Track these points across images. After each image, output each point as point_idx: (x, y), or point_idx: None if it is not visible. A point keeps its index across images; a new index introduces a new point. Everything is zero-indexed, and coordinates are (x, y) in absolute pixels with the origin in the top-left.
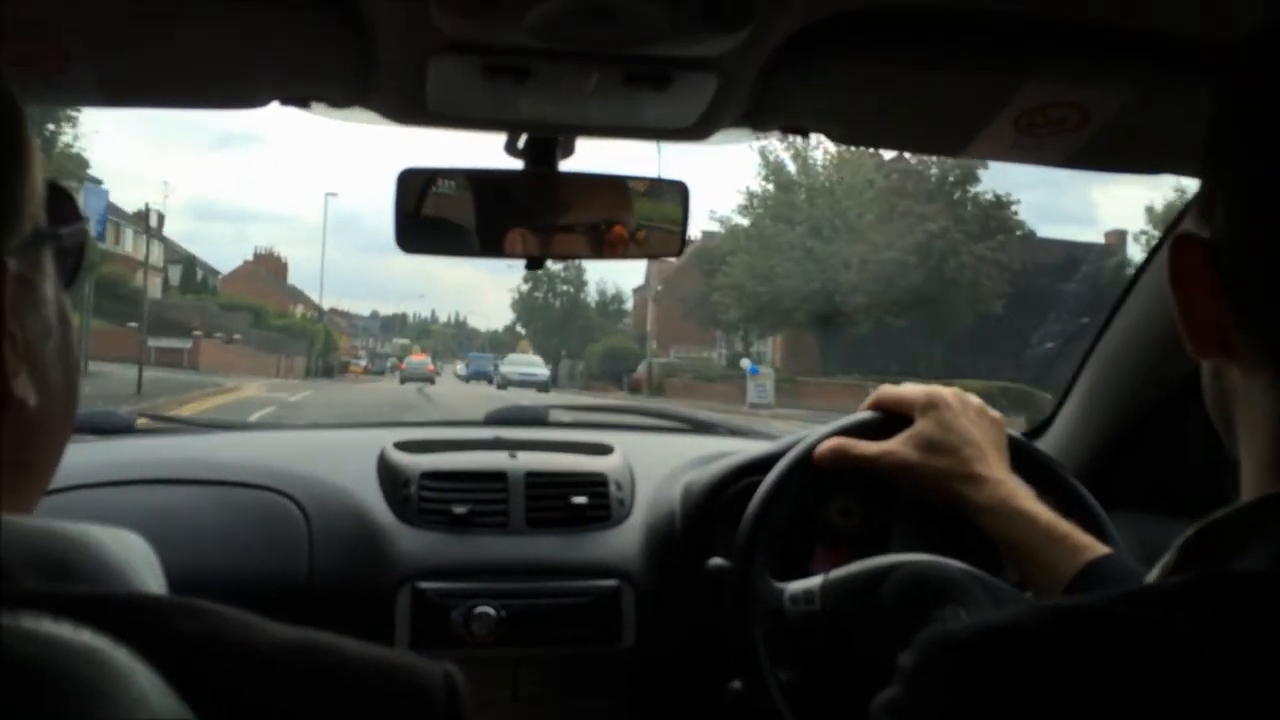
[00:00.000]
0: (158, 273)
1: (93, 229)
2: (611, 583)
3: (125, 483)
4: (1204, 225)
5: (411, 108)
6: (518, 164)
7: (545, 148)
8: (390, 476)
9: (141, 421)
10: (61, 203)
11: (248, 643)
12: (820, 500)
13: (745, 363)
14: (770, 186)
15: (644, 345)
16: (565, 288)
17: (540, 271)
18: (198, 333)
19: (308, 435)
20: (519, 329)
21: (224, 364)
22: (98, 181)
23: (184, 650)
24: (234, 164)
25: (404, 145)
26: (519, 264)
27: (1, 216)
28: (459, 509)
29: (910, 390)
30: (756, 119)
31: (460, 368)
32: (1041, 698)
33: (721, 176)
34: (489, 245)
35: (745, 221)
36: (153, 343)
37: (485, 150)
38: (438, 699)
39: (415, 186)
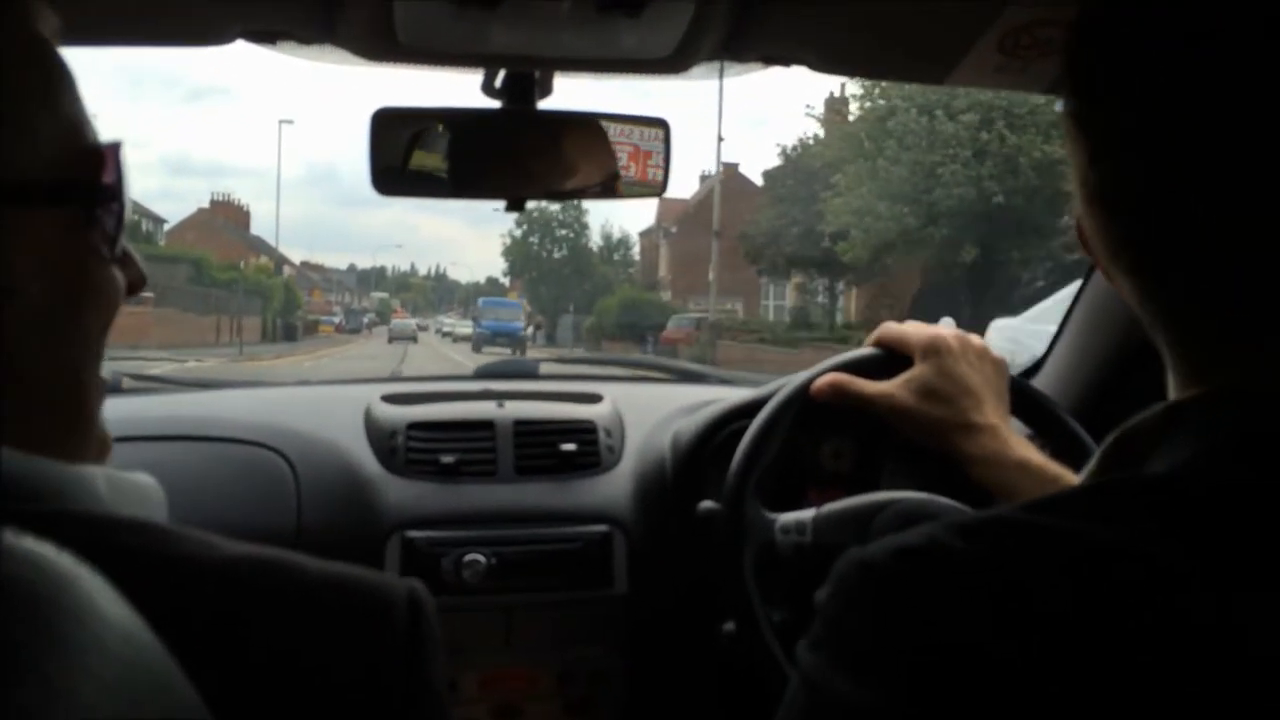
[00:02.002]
0: None
1: None
2: (602, 528)
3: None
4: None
5: (381, 43)
6: (495, 104)
7: (523, 85)
8: (377, 428)
9: (126, 381)
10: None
11: (200, 557)
12: (813, 442)
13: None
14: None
15: (657, 294)
16: (564, 232)
17: (535, 214)
18: None
19: (294, 391)
20: (502, 279)
21: (121, 333)
22: None
23: (133, 563)
24: (207, 117)
25: (383, 94)
26: (502, 215)
27: None
28: (447, 458)
29: (914, 330)
30: (734, 49)
31: (453, 324)
32: (959, 613)
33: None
34: (466, 186)
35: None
36: None
37: (462, 92)
38: (399, 616)
39: (390, 128)
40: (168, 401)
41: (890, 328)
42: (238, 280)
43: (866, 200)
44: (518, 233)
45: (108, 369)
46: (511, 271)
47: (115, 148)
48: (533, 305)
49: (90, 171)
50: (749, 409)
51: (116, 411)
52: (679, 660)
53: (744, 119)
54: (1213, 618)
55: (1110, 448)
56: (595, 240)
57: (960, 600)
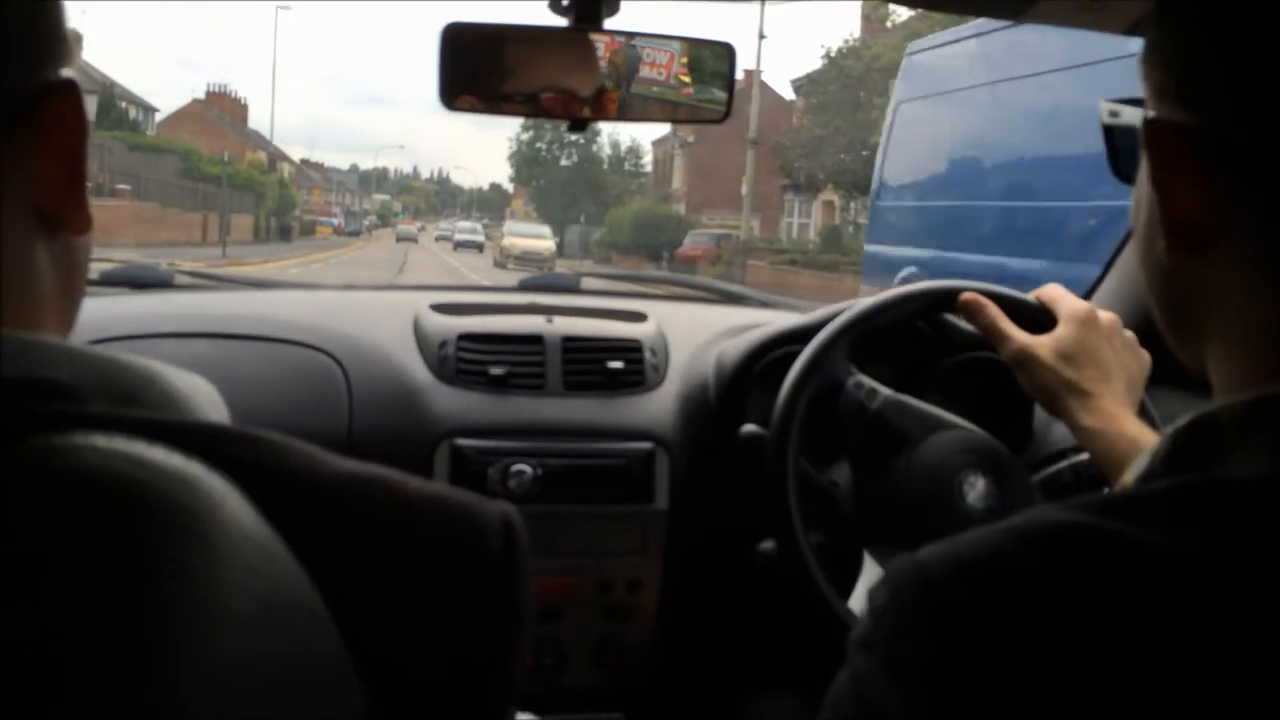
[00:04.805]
0: None
1: None
2: (646, 445)
3: (166, 336)
4: (1181, 107)
5: None
6: (563, 21)
7: (591, 3)
8: (428, 337)
9: (180, 278)
10: None
11: (311, 472)
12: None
13: None
14: None
15: (670, 207)
16: (574, 137)
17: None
18: None
19: (344, 295)
20: (507, 185)
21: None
22: None
23: (254, 476)
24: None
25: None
26: (508, 119)
27: (59, 45)
28: (496, 370)
29: (1072, 299)
30: None
31: (471, 231)
32: (1018, 638)
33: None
34: (533, 104)
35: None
36: None
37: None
38: (494, 540)
39: (459, 42)
40: (220, 299)
41: (1052, 288)
42: (238, 175)
43: None
44: (525, 136)
45: (161, 265)
46: (517, 178)
47: None
48: (541, 216)
49: None
50: (794, 335)
51: (169, 307)
52: (715, 574)
53: (755, 29)
54: None
55: (1185, 433)
56: (606, 149)
57: (1019, 624)
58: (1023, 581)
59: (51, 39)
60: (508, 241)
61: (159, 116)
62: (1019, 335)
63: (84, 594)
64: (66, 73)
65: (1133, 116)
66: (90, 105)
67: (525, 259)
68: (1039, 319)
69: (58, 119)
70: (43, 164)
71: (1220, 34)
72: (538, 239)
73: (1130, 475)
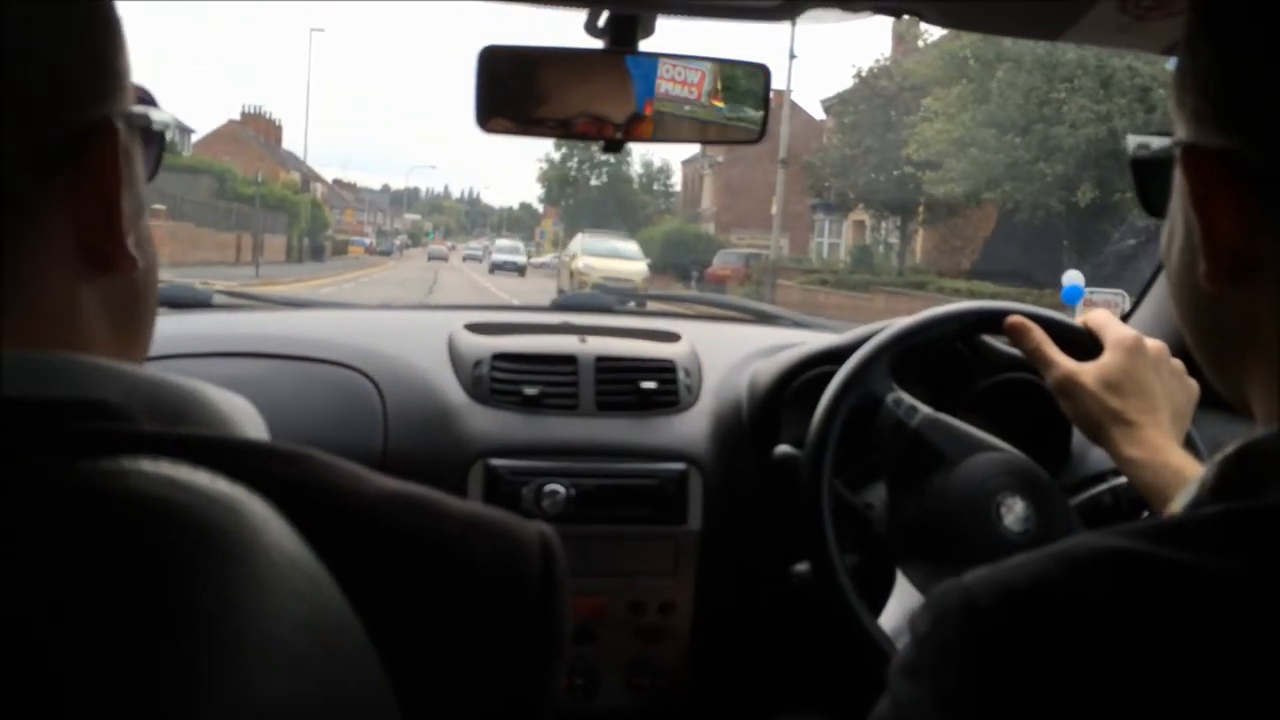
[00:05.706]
0: None
1: None
2: (679, 466)
3: (204, 355)
4: (1219, 133)
5: None
6: (598, 44)
7: (626, 26)
8: (462, 357)
9: (217, 297)
10: (145, 99)
11: (354, 491)
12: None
13: (1073, 276)
14: None
15: (700, 227)
16: (605, 157)
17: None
18: None
19: (379, 315)
20: (537, 205)
21: None
22: None
23: (297, 495)
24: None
25: (429, 19)
26: (540, 138)
27: (109, 84)
28: (530, 390)
29: (1120, 326)
30: None
31: (512, 250)
32: (1067, 659)
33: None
34: (565, 127)
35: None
36: None
37: (565, 30)
38: (533, 560)
39: (496, 64)
40: (257, 319)
41: (1100, 313)
42: (272, 195)
43: (970, 129)
44: (556, 156)
45: (196, 284)
46: (547, 198)
47: None
48: (571, 235)
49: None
50: (829, 355)
51: (207, 326)
52: (748, 597)
53: (785, 49)
54: None
55: (1232, 462)
56: (636, 169)
57: (1068, 653)
58: (1071, 609)
59: (100, 78)
60: (584, 263)
61: (194, 137)
62: (1064, 361)
63: (118, 617)
64: (128, 109)
65: (1162, 147)
66: (165, 118)
67: (609, 288)
68: (1085, 345)
69: (97, 160)
70: (86, 203)
71: (1260, 56)
72: (624, 259)
73: (1178, 505)
